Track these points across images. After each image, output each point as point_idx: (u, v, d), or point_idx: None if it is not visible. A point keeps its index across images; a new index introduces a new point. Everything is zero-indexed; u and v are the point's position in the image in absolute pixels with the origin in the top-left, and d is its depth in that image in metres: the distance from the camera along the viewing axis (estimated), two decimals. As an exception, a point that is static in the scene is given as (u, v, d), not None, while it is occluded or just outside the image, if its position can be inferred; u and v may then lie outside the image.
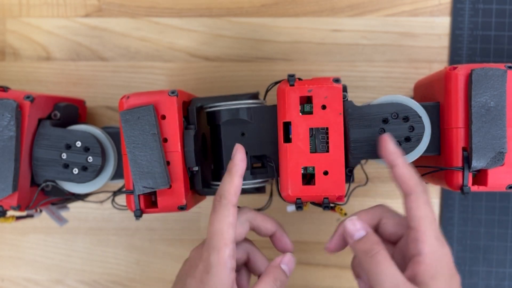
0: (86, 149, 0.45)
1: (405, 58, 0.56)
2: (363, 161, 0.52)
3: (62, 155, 0.44)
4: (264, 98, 0.47)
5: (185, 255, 0.60)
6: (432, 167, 0.44)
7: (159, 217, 0.59)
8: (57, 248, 0.60)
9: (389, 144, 0.39)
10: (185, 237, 0.60)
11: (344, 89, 0.42)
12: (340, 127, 0.41)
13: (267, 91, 0.46)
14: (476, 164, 0.40)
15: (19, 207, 0.43)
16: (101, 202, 0.50)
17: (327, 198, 0.41)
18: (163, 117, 0.42)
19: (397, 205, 0.58)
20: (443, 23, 0.56)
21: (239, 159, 0.40)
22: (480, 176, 0.43)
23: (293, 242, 0.59)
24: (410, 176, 0.38)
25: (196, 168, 0.44)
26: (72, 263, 0.60)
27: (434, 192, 0.57)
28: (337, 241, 0.41)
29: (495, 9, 0.55)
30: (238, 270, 0.43)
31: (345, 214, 0.43)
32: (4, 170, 0.43)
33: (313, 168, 0.41)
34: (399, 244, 0.40)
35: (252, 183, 0.45)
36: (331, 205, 0.42)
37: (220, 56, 0.58)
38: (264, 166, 0.45)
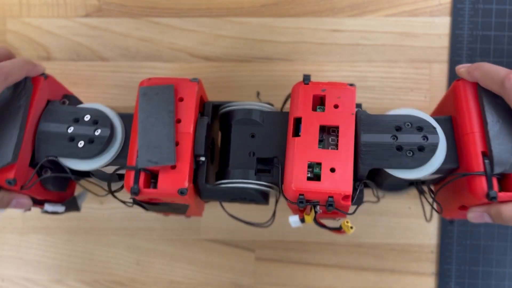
0: (95, 122, 0.43)
1: (405, 58, 0.56)
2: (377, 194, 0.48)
3: (69, 128, 0.43)
4: (282, 110, 0.47)
5: (185, 255, 0.61)
6: (452, 174, 0.42)
7: (159, 217, 0.59)
8: (57, 248, 0.60)
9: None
10: (185, 237, 0.60)
11: (358, 105, 0.42)
12: (352, 127, 0.40)
13: (284, 102, 0.46)
14: (499, 166, 0.38)
15: (15, 182, 0.41)
16: (105, 193, 0.49)
17: (332, 197, 0.39)
18: (181, 99, 0.42)
19: (397, 205, 0.58)
20: (443, 23, 0.56)
21: None
22: (505, 182, 0.40)
23: (293, 242, 0.59)
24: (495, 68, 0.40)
25: (203, 159, 0.43)
26: (72, 263, 0.60)
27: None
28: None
29: (495, 9, 0.55)
30: None
31: (352, 227, 0.41)
32: (7, 137, 0.41)
33: (320, 167, 0.40)
34: None
35: (255, 184, 0.44)
36: (338, 225, 0.41)
37: (220, 56, 0.58)
38: (269, 172, 0.45)
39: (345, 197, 0.39)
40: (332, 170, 0.39)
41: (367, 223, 0.58)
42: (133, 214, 0.59)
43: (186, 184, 0.40)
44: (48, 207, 0.47)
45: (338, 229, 0.43)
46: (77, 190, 0.52)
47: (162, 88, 0.42)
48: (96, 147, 0.42)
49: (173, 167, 0.41)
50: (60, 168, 0.44)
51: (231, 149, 0.44)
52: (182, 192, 0.40)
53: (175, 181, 0.40)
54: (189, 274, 0.60)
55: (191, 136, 0.41)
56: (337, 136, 0.40)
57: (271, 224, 0.47)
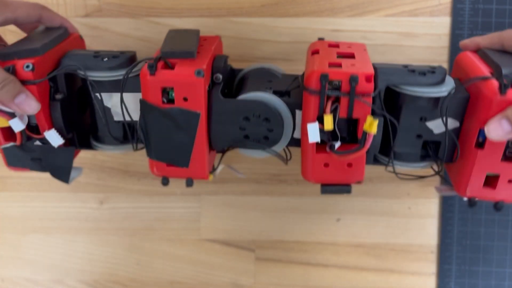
0: (121, 52, 0.46)
1: (405, 58, 0.56)
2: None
3: (96, 53, 0.46)
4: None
5: (185, 255, 0.61)
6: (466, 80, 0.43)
7: (159, 217, 0.59)
8: (57, 248, 0.60)
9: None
10: (185, 237, 0.60)
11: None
12: (366, 55, 0.43)
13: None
14: (506, 71, 0.39)
15: (32, 67, 0.42)
16: (116, 143, 0.48)
17: (356, 75, 0.39)
18: (204, 40, 0.47)
19: (397, 205, 0.58)
20: (443, 23, 0.56)
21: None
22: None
23: (293, 242, 0.59)
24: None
25: (220, 77, 0.44)
26: (72, 263, 0.60)
27: (434, 191, 0.57)
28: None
29: (495, 9, 0.55)
30: None
31: (374, 120, 0.39)
32: (40, 38, 0.45)
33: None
34: None
35: (271, 94, 0.44)
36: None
37: (220, 56, 0.58)
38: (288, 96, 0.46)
39: (368, 78, 0.39)
40: (352, 65, 0.40)
41: (367, 223, 0.58)
42: (133, 214, 0.59)
43: (204, 66, 0.41)
44: (48, 133, 0.45)
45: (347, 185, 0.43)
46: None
47: (189, 30, 0.46)
48: (119, 60, 0.45)
49: (195, 57, 0.42)
50: (74, 86, 0.47)
51: (248, 83, 0.46)
52: (199, 73, 0.40)
53: (193, 65, 0.41)
54: (189, 274, 0.60)
55: (211, 51, 0.44)
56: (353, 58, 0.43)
57: (289, 160, 0.46)
